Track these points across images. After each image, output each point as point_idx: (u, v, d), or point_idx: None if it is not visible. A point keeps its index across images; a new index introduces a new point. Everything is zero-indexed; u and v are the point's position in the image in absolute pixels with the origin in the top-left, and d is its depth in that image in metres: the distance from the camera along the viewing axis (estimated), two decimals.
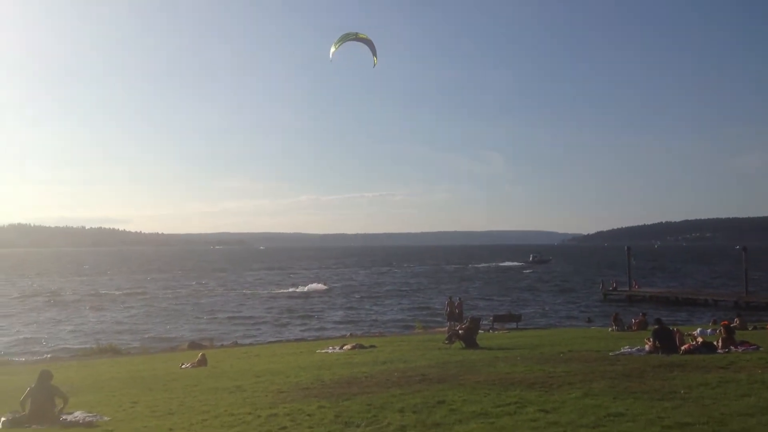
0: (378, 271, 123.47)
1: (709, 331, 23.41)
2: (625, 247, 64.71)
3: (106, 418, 10.98)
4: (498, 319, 35.95)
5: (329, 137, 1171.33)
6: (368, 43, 23.02)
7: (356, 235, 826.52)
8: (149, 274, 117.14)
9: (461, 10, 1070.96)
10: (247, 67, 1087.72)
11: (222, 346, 31.79)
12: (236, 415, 10.44)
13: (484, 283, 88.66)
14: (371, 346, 23.05)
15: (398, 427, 8.80)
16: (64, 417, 10.90)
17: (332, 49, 22.95)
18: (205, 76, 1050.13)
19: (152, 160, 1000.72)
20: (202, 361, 20.23)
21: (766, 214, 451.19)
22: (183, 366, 20.18)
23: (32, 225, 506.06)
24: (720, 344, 16.59)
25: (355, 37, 22.95)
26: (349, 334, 35.64)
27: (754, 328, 27.08)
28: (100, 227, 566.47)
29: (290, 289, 75.76)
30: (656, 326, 17.07)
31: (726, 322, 18.86)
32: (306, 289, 75.22)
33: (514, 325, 35.21)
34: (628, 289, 58.00)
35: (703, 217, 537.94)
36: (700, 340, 17.14)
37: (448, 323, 31.15)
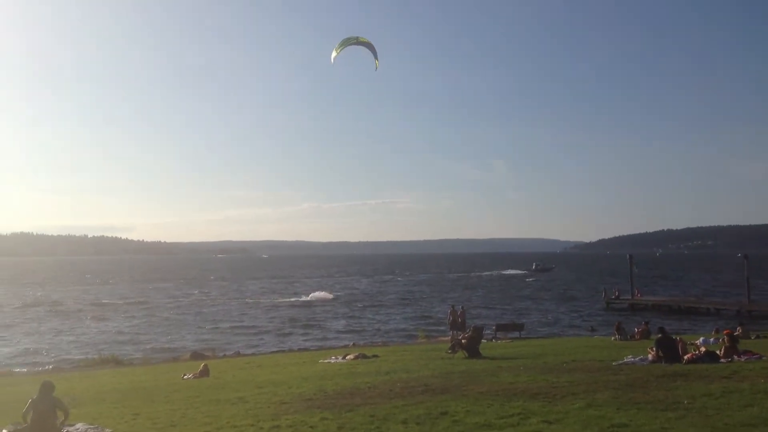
0: (381, 280, 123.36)
1: (711, 340, 23.34)
2: (627, 255, 64.63)
3: (108, 431, 10.96)
4: (501, 328, 35.85)
5: (332, 145, 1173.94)
6: (369, 46, 23.16)
7: (359, 243, 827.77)
8: (151, 283, 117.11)
9: (464, 12, 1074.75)
10: (249, 74, 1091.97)
11: (224, 356, 31.74)
12: (238, 426, 10.41)
13: (486, 291, 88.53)
14: (374, 356, 23.00)
15: None
16: (66, 429, 10.87)
17: (333, 54, 23.10)
18: (208, 84, 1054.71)
19: (155, 168, 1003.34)
20: (205, 372, 20.18)
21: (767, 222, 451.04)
22: (185, 377, 20.13)
23: (34, 233, 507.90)
24: (723, 353, 16.55)
25: (356, 41, 23.09)
26: (351, 343, 35.57)
27: (757, 336, 26.97)
28: (103, 235, 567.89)
29: (293, 298, 75.73)
30: (659, 335, 17.05)
31: (729, 331, 18.81)
32: (310, 297, 75.24)
33: (516, 334, 35.12)
34: (630, 297, 57.90)
35: (704, 225, 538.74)
36: (702, 349, 17.11)
37: (451, 332, 31.10)
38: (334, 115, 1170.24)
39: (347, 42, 23.04)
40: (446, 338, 32.04)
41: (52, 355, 36.32)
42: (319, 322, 50.98)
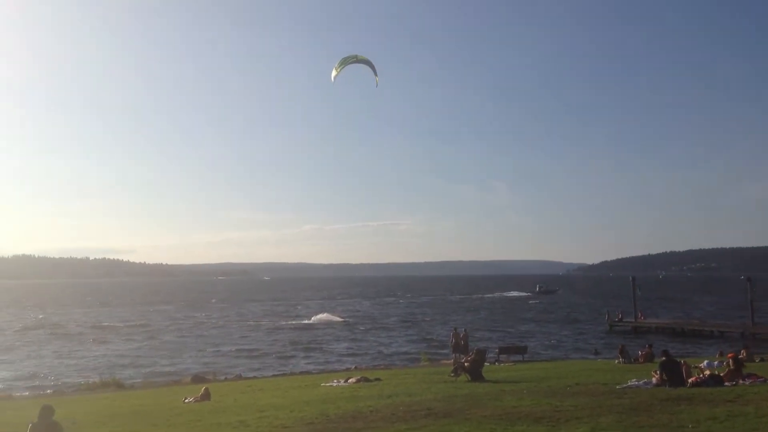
0: (383, 302, 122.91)
1: (716, 363, 23.23)
2: (630, 278, 64.43)
3: None
4: (504, 350, 35.66)
5: (333, 167, 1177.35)
6: (368, 63, 23.49)
7: (361, 265, 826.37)
8: (153, 305, 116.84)
9: (466, 33, 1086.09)
10: (250, 95, 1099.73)
11: (226, 379, 31.61)
12: None
13: (489, 313, 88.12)
14: (376, 379, 22.91)
15: None
16: None
17: (333, 73, 23.42)
18: (209, 106, 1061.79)
19: (156, 190, 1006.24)
20: (206, 395, 20.10)
21: None
22: (186, 400, 20.05)
23: (36, 256, 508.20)
24: (727, 377, 16.45)
25: (356, 60, 23.42)
26: (354, 366, 35.42)
27: (761, 359, 26.81)
28: (104, 258, 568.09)
29: (294, 321, 75.41)
30: (663, 358, 16.97)
31: (733, 354, 18.73)
32: (313, 320, 74.74)
33: (520, 357, 34.92)
34: (633, 320, 57.62)
35: (707, 247, 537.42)
36: (707, 372, 17.05)
37: (454, 355, 30.96)
38: (335, 136, 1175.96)
39: (347, 61, 23.38)
40: (449, 361, 31.85)
41: (53, 378, 36.19)
42: (321, 345, 50.76)
